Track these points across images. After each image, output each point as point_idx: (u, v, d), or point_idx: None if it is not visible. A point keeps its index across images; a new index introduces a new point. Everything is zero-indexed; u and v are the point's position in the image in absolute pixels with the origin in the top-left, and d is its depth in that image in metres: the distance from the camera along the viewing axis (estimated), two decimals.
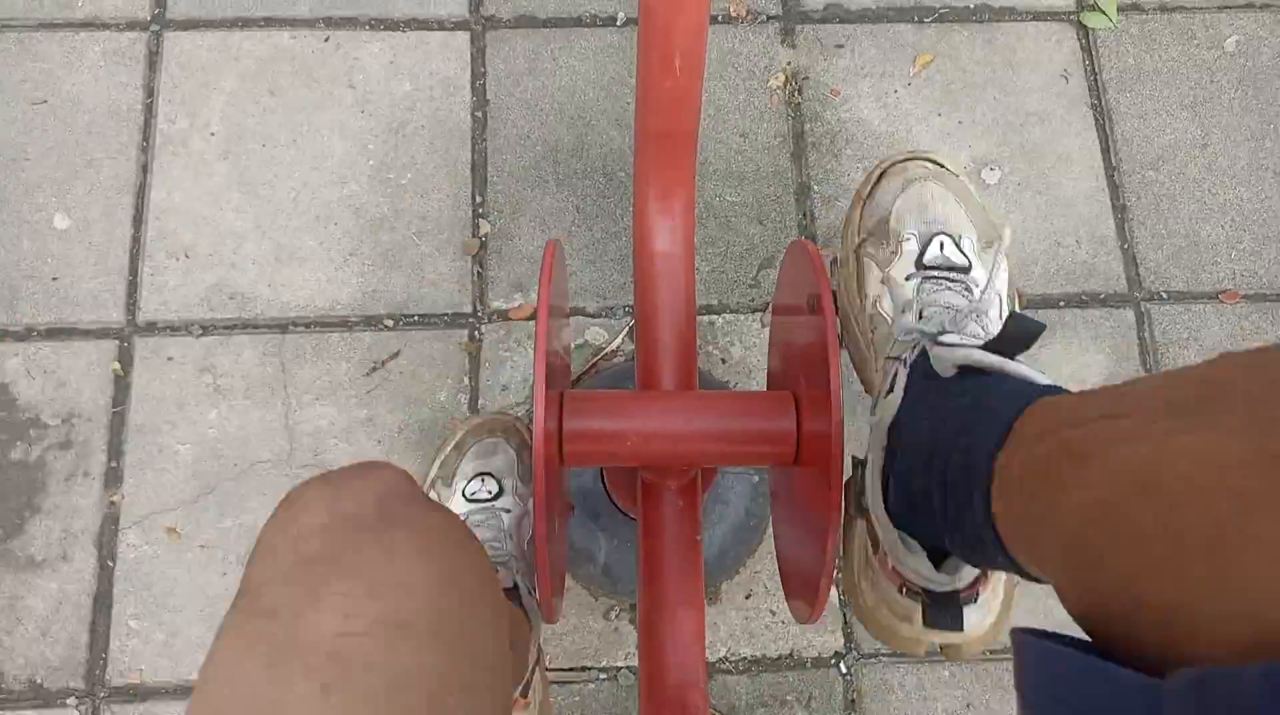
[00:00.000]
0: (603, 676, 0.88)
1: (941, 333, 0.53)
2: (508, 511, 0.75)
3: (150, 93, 1.03)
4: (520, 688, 0.68)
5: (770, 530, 0.91)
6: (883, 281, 0.60)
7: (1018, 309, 0.59)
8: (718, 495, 0.88)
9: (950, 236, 0.59)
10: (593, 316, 0.99)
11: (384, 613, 0.34)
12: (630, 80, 1.05)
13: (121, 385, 0.94)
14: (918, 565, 0.50)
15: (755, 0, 1.10)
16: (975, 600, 0.50)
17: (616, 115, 1.04)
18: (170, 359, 0.95)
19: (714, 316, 0.99)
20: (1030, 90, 1.08)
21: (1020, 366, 0.47)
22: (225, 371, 0.95)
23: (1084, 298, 1.02)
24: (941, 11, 1.10)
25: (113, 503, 0.91)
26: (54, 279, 0.97)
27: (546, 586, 0.57)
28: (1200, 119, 1.08)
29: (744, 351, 0.98)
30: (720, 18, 1.08)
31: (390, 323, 0.97)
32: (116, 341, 0.95)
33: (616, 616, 0.90)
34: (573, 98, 1.05)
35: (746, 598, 0.91)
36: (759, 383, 0.97)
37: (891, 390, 0.54)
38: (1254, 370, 0.32)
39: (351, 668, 0.32)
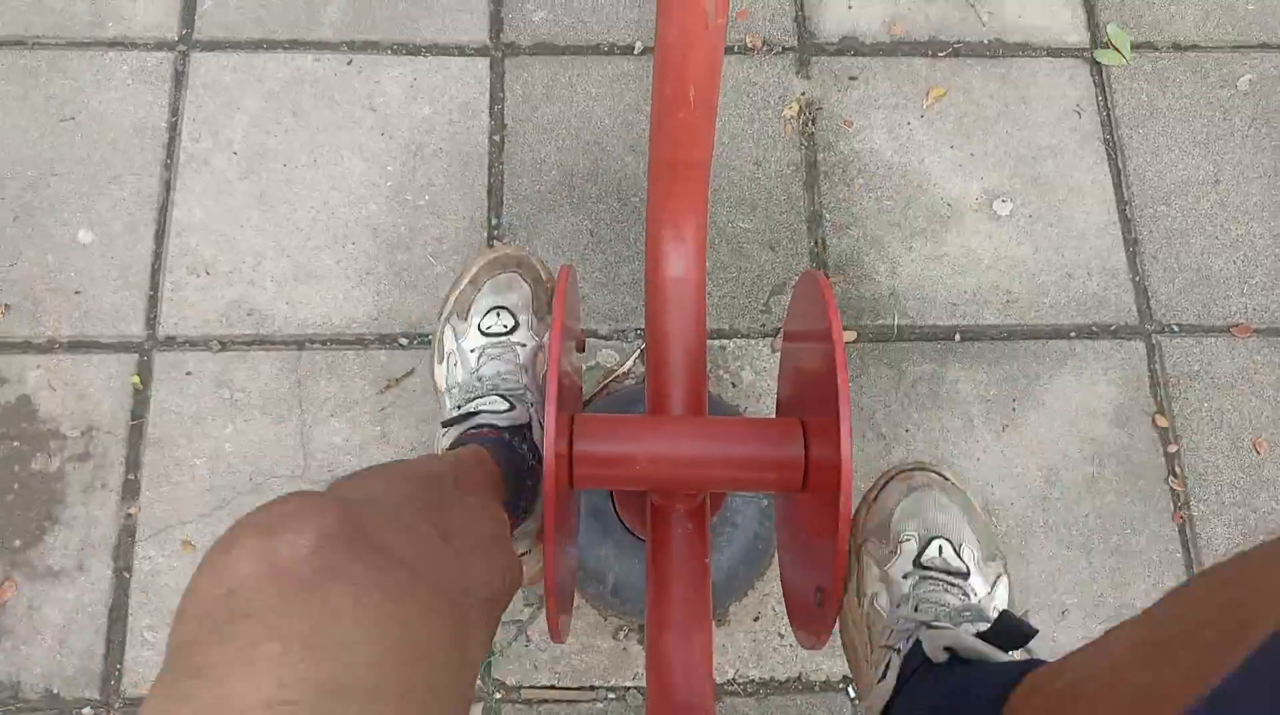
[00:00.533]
0: (611, 696, 0.89)
1: (935, 620, 0.57)
2: (523, 346, 0.75)
3: (175, 111, 1.05)
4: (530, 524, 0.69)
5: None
6: (881, 579, 0.62)
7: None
8: (727, 517, 0.88)
9: (950, 542, 0.62)
10: (605, 338, 1.00)
11: (321, 678, 0.32)
12: (646, 108, 1.06)
13: (140, 398, 0.96)
14: None
15: (771, 32, 1.11)
16: None
17: (632, 141, 1.06)
18: (189, 373, 0.96)
19: (725, 341, 1.00)
20: (1043, 125, 1.09)
21: (1009, 657, 0.51)
22: (242, 387, 0.96)
23: (1095, 329, 1.02)
24: (955, 46, 1.11)
25: (130, 515, 0.92)
26: (76, 292, 0.99)
27: (554, 608, 0.58)
28: (1212, 156, 1.09)
29: (754, 376, 0.99)
30: (736, 49, 1.10)
31: (405, 341, 0.98)
32: (136, 355, 0.97)
33: (625, 636, 0.91)
34: (589, 123, 1.07)
35: (755, 620, 0.92)
36: (769, 407, 0.98)
37: (884, 677, 0.57)
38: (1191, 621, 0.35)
39: None
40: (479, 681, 0.89)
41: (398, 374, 0.97)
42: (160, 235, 1.01)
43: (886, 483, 0.67)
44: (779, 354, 1.00)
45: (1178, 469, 0.98)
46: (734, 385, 0.99)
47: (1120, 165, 1.08)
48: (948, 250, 1.04)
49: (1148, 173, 1.08)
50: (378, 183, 1.04)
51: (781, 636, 0.91)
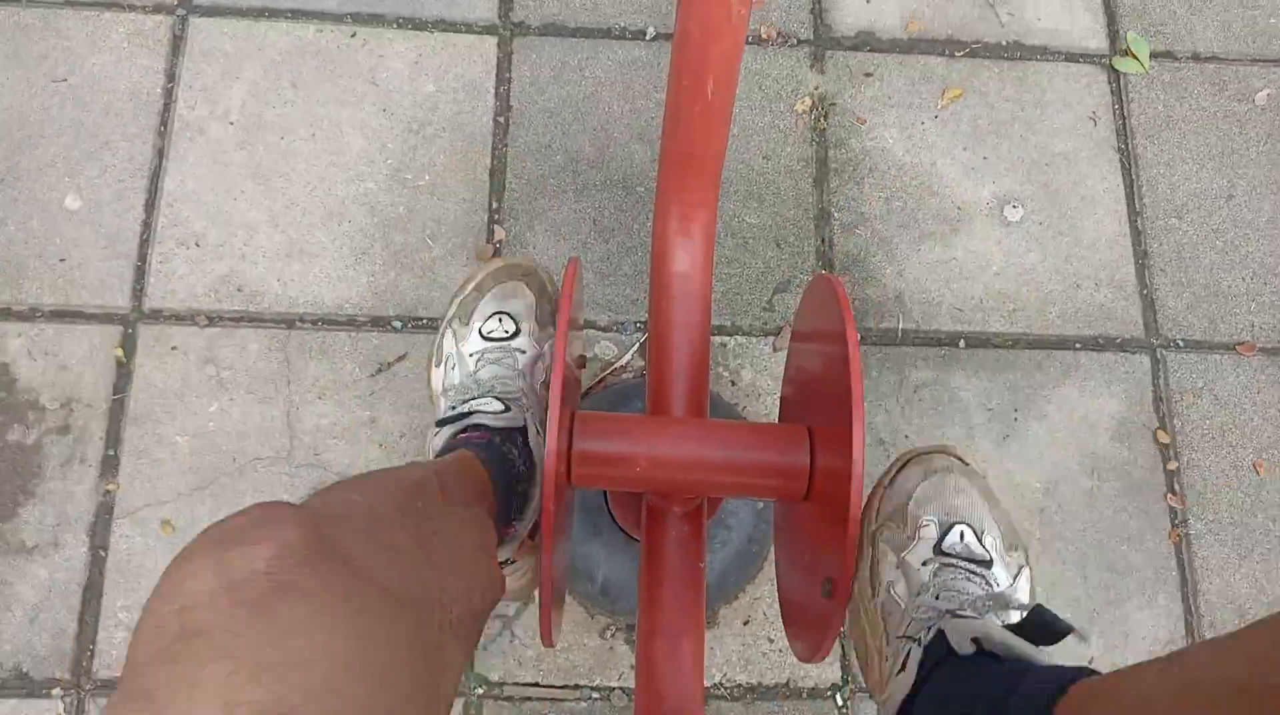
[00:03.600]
0: (595, 696, 0.87)
1: (959, 609, 0.53)
2: (522, 352, 0.75)
3: (171, 78, 1.02)
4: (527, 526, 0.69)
5: (771, 557, 0.90)
6: (898, 566, 0.58)
7: None
8: (721, 520, 0.87)
9: (972, 528, 0.58)
10: (604, 330, 0.97)
11: (268, 700, 0.31)
12: (656, 95, 1.04)
13: (123, 372, 0.93)
14: None
15: (787, 24, 1.09)
16: None
17: (640, 129, 1.03)
18: (174, 348, 0.94)
19: (726, 338, 0.98)
20: (1058, 131, 1.07)
21: (1041, 654, 0.48)
22: (229, 364, 0.94)
23: (1100, 341, 1.01)
24: (973, 46, 1.09)
25: (108, 492, 0.90)
26: (61, 260, 0.96)
27: (548, 611, 0.56)
28: (1227, 170, 1.07)
29: (754, 375, 0.97)
30: (750, 39, 1.08)
31: (398, 325, 0.96)
32: (121, 327, 0.94)
33: (612, 635, 0.89)
34: (597, 109, 1.04)
35: (745, 624, 0.90)
36: (769, 406, 0.96)
37: (903, 669, 0.53)
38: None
39: None
40: (460, 678, 0.87)
41: (390, 358, 0.95)
42: (150, 204, 0.98)
43: (903, 466, 0.62)
44: (781, 353, 0.98)
45: (1177, 486, 0.97)
46: (733, 383, 0.97)
47: (1134, 176, 1.06)
48: (956, 255, 1.02)
49: (1161, 184, 1.06)
50: (377, 160, 1.01)
51: (771, 641, 0.90)
